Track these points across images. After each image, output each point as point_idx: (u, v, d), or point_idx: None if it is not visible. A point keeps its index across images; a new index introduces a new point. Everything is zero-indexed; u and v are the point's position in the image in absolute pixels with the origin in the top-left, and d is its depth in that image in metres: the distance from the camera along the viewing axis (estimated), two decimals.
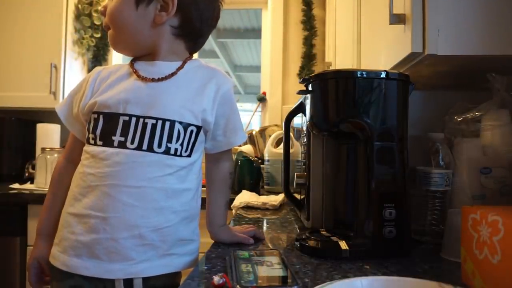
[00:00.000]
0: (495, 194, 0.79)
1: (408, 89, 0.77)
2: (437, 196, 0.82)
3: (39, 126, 2.00)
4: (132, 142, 0.72)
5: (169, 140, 0.73)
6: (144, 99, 0.74)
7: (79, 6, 2.21)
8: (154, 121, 0.72)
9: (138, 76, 0.76)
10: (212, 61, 4.58)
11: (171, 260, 0.75)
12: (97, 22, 2.25)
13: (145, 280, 0.72)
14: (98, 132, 0.74)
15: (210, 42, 3.88)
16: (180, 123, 0.74)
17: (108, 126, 0.73)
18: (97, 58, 2.35)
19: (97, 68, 0.82)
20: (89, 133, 0.76)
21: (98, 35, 2.28)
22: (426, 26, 0.71)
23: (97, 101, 0.75)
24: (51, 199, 0.82)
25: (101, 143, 0.73)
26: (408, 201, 0.75)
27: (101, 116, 0.74)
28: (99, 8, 0.77)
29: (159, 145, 0.72)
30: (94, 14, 2.24)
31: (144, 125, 0.72)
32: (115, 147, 0.72)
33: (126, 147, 0.72)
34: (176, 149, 0.74)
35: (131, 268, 0.71)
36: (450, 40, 0.71)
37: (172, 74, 0.77)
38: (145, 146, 0.72)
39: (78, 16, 2.21)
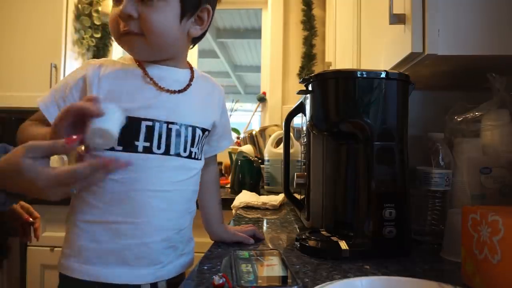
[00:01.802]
0: (495, 194, 0.79)
1: (408, 89, 0.77)
2: (437, 196, 0.82)
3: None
4: (158, 147, 0.72)
5: (192, 144, 0.76)
6: (165, 105, 0.74)
7: (79, 6, 2.21)
8: (178, 127, 0.74)
9: (155, 84, 0.74)
10: (212, 61, 4.58)
11: (185, 259, 0.78)
12: (97, 22, 2.25)
13: (167, 281, 0.74)
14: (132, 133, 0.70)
15: (210, 42, 3.87)
16: (200, 128, 0.77)
17: (127, 131, 0.68)
18: (97, 58, 2.36)
19: (91, 64, 0.73)
20: None
21: (98, 35, 2.28)
22: (426, 26, 0.71)
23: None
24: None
25: (120, 148, 0.69)
26: (408, 201, 0.75)
27: None
28: (127, 11, 0.68)
29: (184, 150, 0.75)
30: (94, 14, 2.24)
31: (169, 130, 0.73)
32: (140, 152, 0.70)
33: (152, 152, 0.71)
34: (195, 153, 0.77)
35: (159, 271, 0.72)
36: (450, 40, 0.71)
37: (188, 86, 0.78)
38: (172, 151, 0.73)
39: (78, 16, 2.21)
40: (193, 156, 0.76)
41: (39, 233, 1.15)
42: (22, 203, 1.17)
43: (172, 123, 0.73)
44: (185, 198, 0.77)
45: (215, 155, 0.92)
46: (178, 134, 0.74)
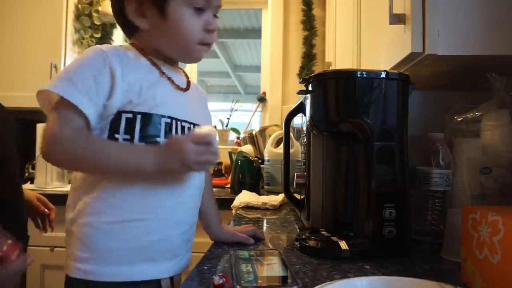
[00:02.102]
0: (495, 194, 0.79)
1: (408, 89, 0.77)
2: (437, 196, 0.82)
3: (39, 126, 2.00)
4: None
5: None
6: (178, 103, 0.76)
7: (79, 6, 2.21)
8: (189, 125, 0.76)
9: (172, 82, 0.77)
10: (212, 61, 4.57)
11: (190, 254, 0.81)
12: (97, 22, 2.25)
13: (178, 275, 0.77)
14: (136, 133, 0.69)
15: None
16: None
17: (148, 127, 0.70)
18: None
19: (108, 52, 0.70)
20: (116, 133, 0.68)
21: (98, 35, 2.28)
22: (426, 26, 0.71)
23: (132, 100, 0.69)
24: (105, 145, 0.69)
25: (143, 145, 0.69)
26: (408, 201, 0.75)
27: (138, 117, 0.69)
28: (216, 25, 0.76)
29: None
30: (94, 14, 2.24)
31: (183, 128, 0.75)
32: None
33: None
34: None
35: (177, 264, 0.75)
36: (450, 40, 0.71)
37: (189, 86, 0.82)
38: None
39: (78, 16, 2.21)
40: None
41: (53, 224, 1.20)
42: (39, 195, 1.20)
43: (185, 121, 0.75)
44: (198, 193, 0.80)
45: None
46: (190, 132, 0.76)
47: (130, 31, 0.78)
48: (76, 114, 0.66)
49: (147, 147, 0.69)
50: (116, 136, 0.68)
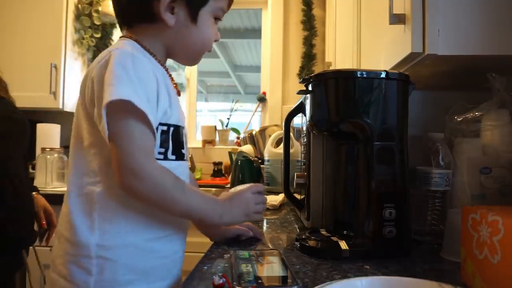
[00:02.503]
0: (495, 194, 0.79)
1: (408, 89, 0.77)
2: (437, 196, 0.82)
3: (39, 126, 2.00)
4: (186, 152, 0.75)
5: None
6: (180, 109, 0.76)
7: (79, 6, 2.21)
8: (185, 130, 0.76)
9: (176, 86, 0.76)
10: (212, 61, 4.57)
11: None
12: (97, 22, 2.25)
13: None
14: (170, 145, 0.69)
15: None
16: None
17: (177, 139, 0.70)
18: None
19: (149, 63, 0.68)
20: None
21: (98, 35, 2.28)
22: (426, 26, 0.71)
23: (167, 111, 0.68)
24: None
25: (173, 157, 0.69)
26: (408, 201, 0.75)
27: (171, 129, 0.69)
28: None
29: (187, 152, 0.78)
30: (94, 14, 2.24)
31: (185, 135, 0.76)
32: (185, 160, 0.74)
33: (183, 159, 0.74)
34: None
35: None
36: (450, 40, 0.71)
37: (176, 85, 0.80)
38: (187, 156, 0.76)
39: (78, 16, 2.21)
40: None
41: (49, 241, 1.21)
42: (47, 207, 1.21)
43: (183, 127, 0.75)
44: None
45: None
46: (186, 137, 0.76)
47: (149, 20, 0.71)
48: (148, 129, 0.62)
49: (214, 198, 0.70)
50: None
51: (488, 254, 0.51)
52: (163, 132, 0.67)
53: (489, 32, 0.71)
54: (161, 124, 0.67)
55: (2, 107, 1.04)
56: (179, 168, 0.71)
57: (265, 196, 0.76)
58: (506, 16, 0.71)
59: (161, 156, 0.68)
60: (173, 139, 0.69)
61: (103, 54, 0.67)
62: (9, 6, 2.07)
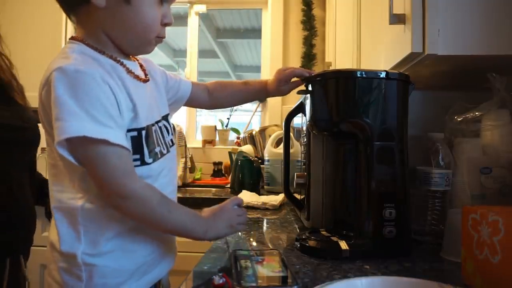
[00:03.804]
0: (495, 194, 0.79)
1: (408, 89, 0.77)
2: (437, 196, 0.82)
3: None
4: (164, 148, 0.72)
5: (172, 132, 0.78)
6: (149, 101, 0.72)
7: None
8: (164, 122, 0.75)
9: (136, 76, 0.70)
10: (212, 61, 4.58)
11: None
12: None
13: None
14: (145, 150, 0.66)
15: (210, 42, 3.87)
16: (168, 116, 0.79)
17: (149, 140, 0.68)
18: None
19: (97, 73, 0.61)
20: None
21: None
22: (426, 26, 0.71)
23: (133, 116, 0.66)
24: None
25: (151, 160, 0.67)
26: (408, 201, 0.75)
27: (142, 132, 0.66)
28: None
29: (172, 141, 0.76)
30: None
31: (164, 128, 0.75)
32: (159, 158, 0.70)
33: (163, 155, 0.71)
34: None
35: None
36: (450, 40, 0.71)
37: (147, 74, 0.75)
38: (170, 147, 0.75)
39: None
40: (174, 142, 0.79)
41: None
42: None
43: (159, 120, 0.73)
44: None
45: None
46: (167, 129, 0.75)
47: (76, 2, 0.66)
48: (119, 148, 0.60)
49: (198, 214, 0.69)
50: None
51: (488, 254, 0.51)
52: (133, 138, 0.65)
53: (489, 32, 0.71)
54: (129, 130, 0.64)
55: (14, 115, 1.02)
56: (160, 167, 0.70)
57: (245, 209, 0.78)
58: (506, 16, 0.71)
59: (138, 163, 0.65)
60: (147, 142, 0.67)
61: (46, 72, 0.63)
62: (10, 6, 2.07)
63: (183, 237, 0.67)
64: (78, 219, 0.64)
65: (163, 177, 0.71)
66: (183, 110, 2.57)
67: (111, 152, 0.59)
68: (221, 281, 0.53)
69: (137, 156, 0.65)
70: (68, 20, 2.12)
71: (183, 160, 2.01)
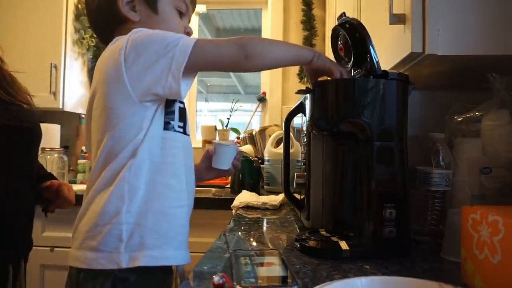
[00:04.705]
0: (495, 194, 0.79)
1: (407, 89, 0.77)
2: (437, 196, 0.82)
3: (39, 127, 2.00)
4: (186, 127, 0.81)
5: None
6: None
7: (79, 6, 2.21)
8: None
9: None
10: None
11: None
12: None
13: None
14: (187, 123, 0.79)
15: None
16: None
17: (183, 114, 0.78)
18: (97, 58, 2.34)
19: None
20: (172, 120, 0.75)
21: None
22: (426, 26, 0.71)
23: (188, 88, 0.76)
24: None
25: (188, 133, 0.80)
26: (408, 201, 0.75)
27: (186, 108, 0.80)
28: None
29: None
30: None
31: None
32: (188, 134, 0.80)
33: (187, 133, 0.80)
34: None
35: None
36: (450, 40, 0.71)
37: None
38: (188, 130, 0.81)
39: (78, 16, 2.20)
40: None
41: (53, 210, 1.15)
42: (60, 188, 1.12)
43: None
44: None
45: None
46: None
47: (118, 23, 0.81)
48: None
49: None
50: (172, 123, 0.75)
51: (488, 254, 0.51)
52: (181, 109, 0.77)
53: (489, 32, 0.71)
54: (180, 102, 0.77)
55: (13, 115, 1.01)
56: (189, 144, 0.80)
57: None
58: (506, 16, 0.71)
59: (181, 130, 0.76)
60: (185, 117, 0.79)
61: (111, 46, 0.74)
62: (9, 6, 2.07)
63: (296, 62, 0.85)
64: (123, 176, 0.69)
65: (191, 153, 0.81)
66: None
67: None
68: (221, 281, 0.53)
69: (181, 124, 0.76)
70: (68, 20, 2.13)
71: None
